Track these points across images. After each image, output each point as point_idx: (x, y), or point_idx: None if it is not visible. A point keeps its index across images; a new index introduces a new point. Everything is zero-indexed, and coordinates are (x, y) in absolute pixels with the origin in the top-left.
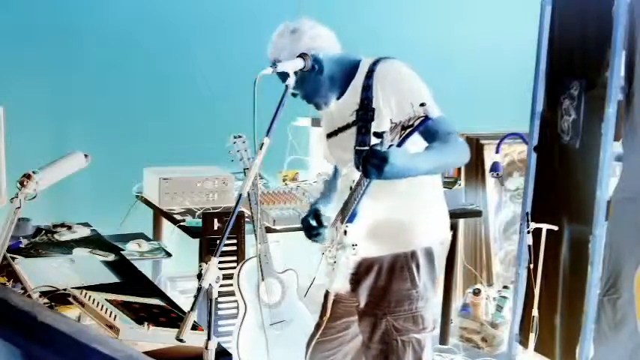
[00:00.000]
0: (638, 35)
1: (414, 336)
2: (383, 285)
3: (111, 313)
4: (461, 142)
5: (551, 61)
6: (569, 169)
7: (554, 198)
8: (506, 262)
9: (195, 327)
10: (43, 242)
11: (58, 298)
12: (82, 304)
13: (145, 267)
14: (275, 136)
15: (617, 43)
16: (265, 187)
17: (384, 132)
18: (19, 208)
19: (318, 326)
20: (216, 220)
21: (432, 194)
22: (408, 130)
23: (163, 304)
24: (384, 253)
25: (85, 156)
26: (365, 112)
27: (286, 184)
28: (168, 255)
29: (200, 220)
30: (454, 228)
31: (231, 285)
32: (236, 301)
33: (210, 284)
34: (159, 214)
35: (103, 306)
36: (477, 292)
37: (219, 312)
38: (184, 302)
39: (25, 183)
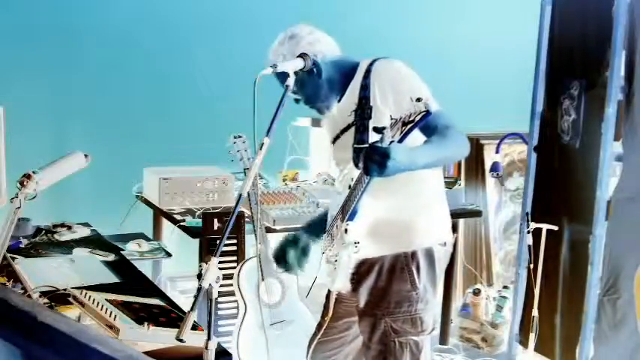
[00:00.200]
0: (638, 35)
1: (411, 338)
2: (383, 286)
3: (111, 313)
4: (460, 135)
5: (551, 61)
6: (569, 169)
7: (554, 198)
8: (506, 262)
9: (195, 327)
10: (43, 242)
11: (58, 298)
12: (82, 304)
13: (145, 267)
14: (275, 136)
15: (617, 43)
16: (265, 187)
17: (384, 128)
18: (19, 208)
19: (319, 326)
20: (216, 220)
21: (433, 194)
22: (409, 126)
23: (163, 304)
24: (385, 253)
25: (85, 156)
26: (363, 111)
27: (286, 184)
28: (169, 255)
29: (200, 220)
30: (454, 228)
31: (231, 285)
32: (236, 301)
33: (210, 284)
34: (159, 214)
35: (103, 306)
36: (477, 292)
37: (219, 312)
38: (184, 302)
39: (25, 183)
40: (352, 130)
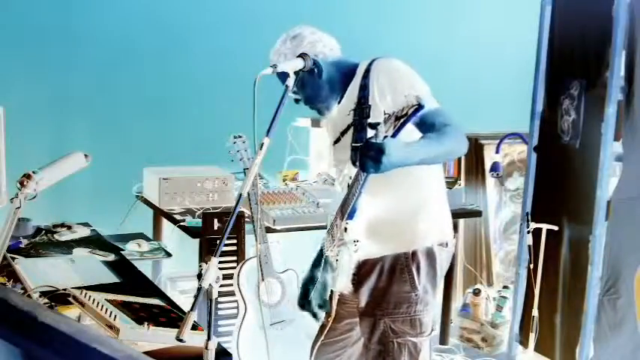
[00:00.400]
0: (638, 35)
1: (410, 339)
2: (383, 286)
3: (111, 313)
4: (458, 132)
5: (551, 61)
6: (569, 169)
7: (554, 198)
8: (506, 262)
9: (195, 327)
10: (43, 242)
11: (58, 298)
12: (82, 304)
13: (145, 267)
14: (275, 136)
15: (617, 43)
16: (265, 187)
17: (378, 123)
18: (19, 208)
19: (322, 328)
20: (216, 220)
21: (434, 193)
22: (402, 120)
23: (163, 304)
24: (385, 254)
25: (85, 156)
26: (361, 110)
27: (286, 184)
28: (168, 255)
29: (200, 220)
30: (454, 228)
31: (231, 285)
32: (236, 301)
33: (210, 284)
34: (159, 214)
35: (103, 306)
36: (477, 292)
37: (219, 312)
38: (184, 302)
39: (25, 183)
40: (351, 130)
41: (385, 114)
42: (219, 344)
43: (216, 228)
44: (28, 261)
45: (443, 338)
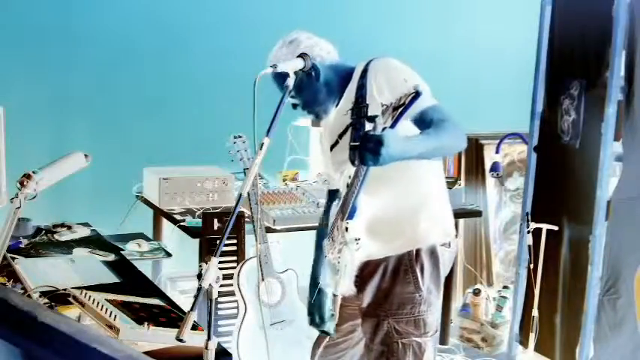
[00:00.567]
0: (638, 35)
1: (414, 339)
2: (386, 287)
3: (111, 313)
4: (456, 128)
5: (551, 61)
6: (569, 169)
7: (554, 198)
8: (506, 262)
9: (195, 327)
10: (43, 242)
11: (58, 298)
12: (82, 304)
13: (145, 267)
14: (275, 136)
15: (617, 43)
16: (265, 187)
17: (376, 116)
18: (19, 208)
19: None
20: (216, 220)
21: (433, 190)
22: (399, 110)
23: (163, 304)
24: (388, 254)
25: (85, 156)
26: (359, 109)
27: (286, 184)
28: (168, 255)
29: (200, 220)
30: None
31: (231, 285)
32: (236, 301)
33: (210, 284)
34: (159, 214)
35: (103, 306)
36: (477, 292)
37: (219, 312)
38: (184, 302)
39: (25, 183)
40: (350, 131)
41: (382, 105)
42: (219, 344)
43: (216, 228)
44: (28, 261)
45: (443, 338)
